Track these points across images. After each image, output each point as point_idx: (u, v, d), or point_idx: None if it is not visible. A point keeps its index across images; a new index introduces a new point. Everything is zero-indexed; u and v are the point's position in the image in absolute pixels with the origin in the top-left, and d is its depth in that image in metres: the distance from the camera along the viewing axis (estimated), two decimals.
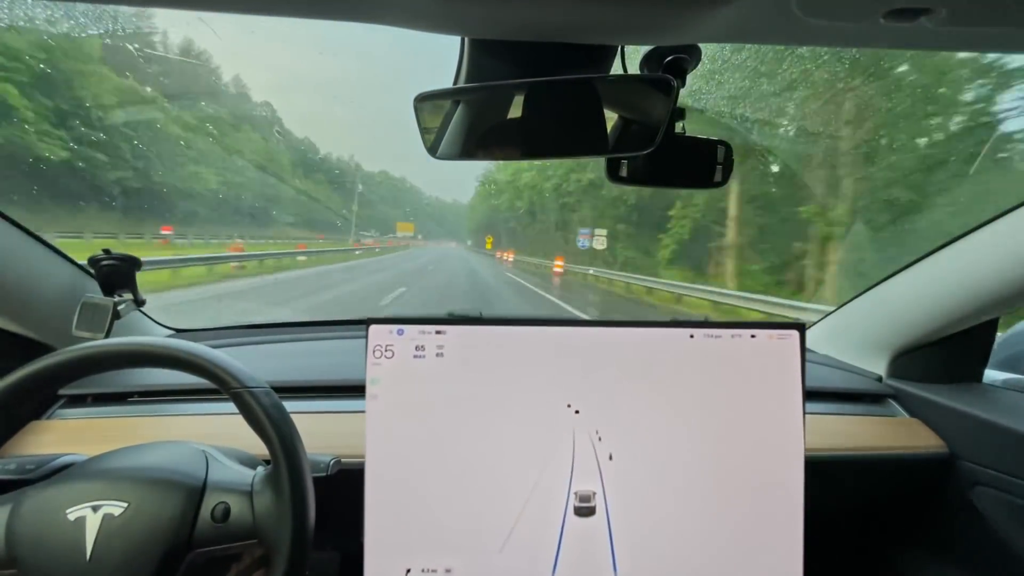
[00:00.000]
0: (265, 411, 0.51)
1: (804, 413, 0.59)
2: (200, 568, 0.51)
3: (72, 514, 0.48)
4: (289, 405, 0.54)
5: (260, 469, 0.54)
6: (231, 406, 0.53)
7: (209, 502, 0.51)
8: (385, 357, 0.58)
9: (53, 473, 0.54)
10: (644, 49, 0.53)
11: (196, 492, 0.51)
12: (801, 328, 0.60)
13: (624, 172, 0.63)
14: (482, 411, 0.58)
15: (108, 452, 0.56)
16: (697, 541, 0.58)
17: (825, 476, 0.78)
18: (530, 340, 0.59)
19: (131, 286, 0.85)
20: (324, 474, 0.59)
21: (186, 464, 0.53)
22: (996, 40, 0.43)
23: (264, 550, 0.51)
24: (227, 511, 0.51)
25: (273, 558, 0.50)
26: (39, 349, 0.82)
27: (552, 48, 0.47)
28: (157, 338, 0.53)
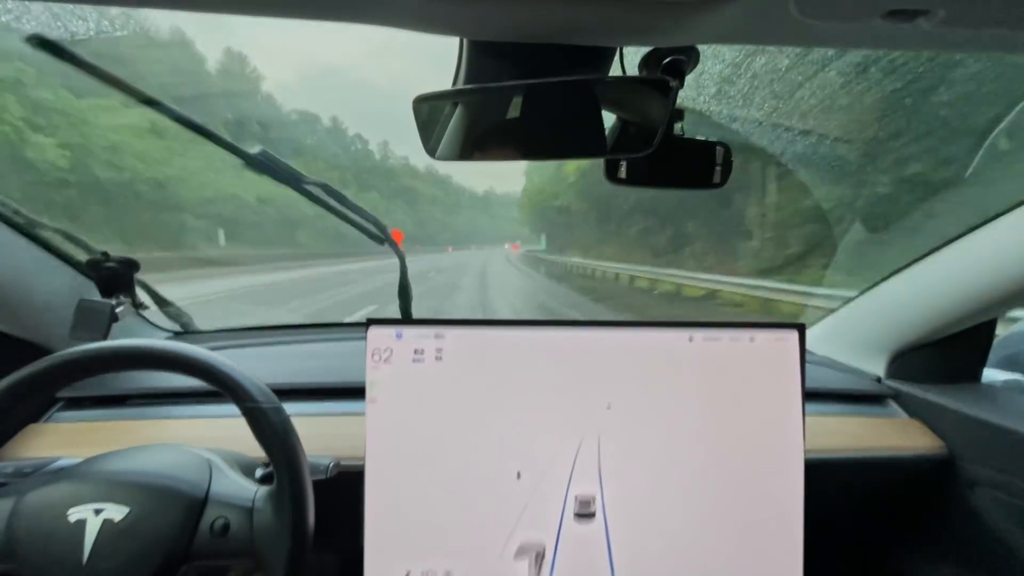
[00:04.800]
0: (275, 431, 0.52)
1: (804, 414, 0.59)
2: None
3: (73, 515, 0.48)
4: (289, 407, 0.54)
5: (262, 488, 0.54)
6: (230, 409, 0.52)
7: (209, 515, 0.51)
8: (384, 360, 0.58)
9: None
10: (643, 50, 0.53)
11: (198, 503, 0.51)
12: (800, 329, 0.60)
13: (623, 173, 0.63)
14: (481, 414, 0.58)
15: (114, 452, 0.56)
16: (697, 542, 0.58)
17: (824, 477, 0.78)
18: (528, 342, 0.59)
19: (130, 289, 0.85)
20: (324, 477, 0.59)
21: (190, 472, 0.53)
22: (994, 41, 0.43)
23: (259, 568, 0.51)
24: (226, 526, 0.51)
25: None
26: (37, 352, 0.82)
27: (550, 50, 0.47)
28: (173, 342, 0.53)
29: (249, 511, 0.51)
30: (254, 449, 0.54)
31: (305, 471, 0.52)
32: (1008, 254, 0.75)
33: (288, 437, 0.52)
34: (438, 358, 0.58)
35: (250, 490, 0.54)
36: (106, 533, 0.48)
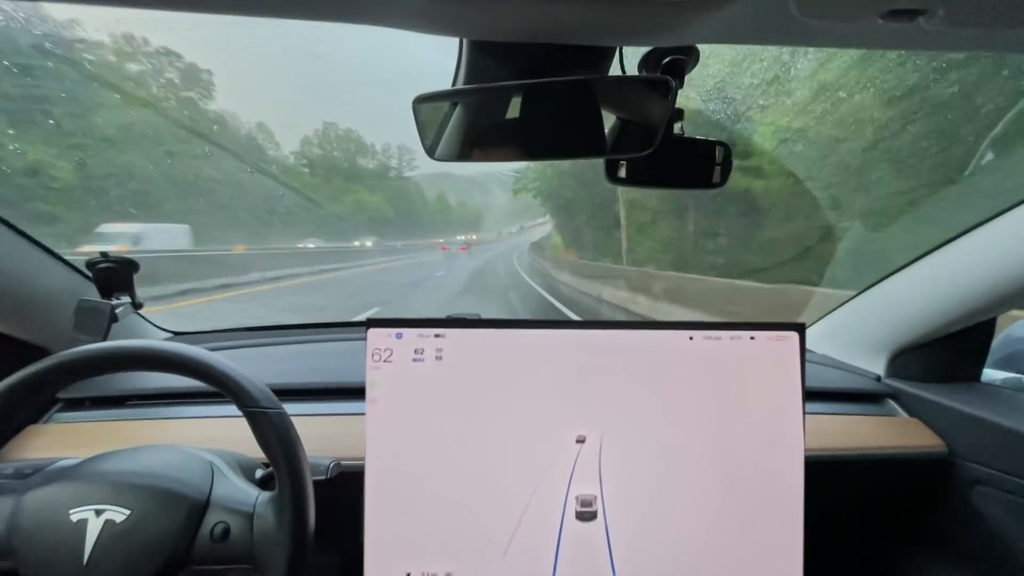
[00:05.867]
0: (278, 435, 0.51)
1: (804, 413, 0.59)
2: None
3: (75, 515, 0.48)
4: (289, 408, 0.54)
5: (264, 494, 0.54)
6: (229, 409, 0.52)
7: (210, 519, 0.51)
8: (384, 360, 0.58)
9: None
10: (642, 50, 0.53)
11: (199, 507, 0.51)
12: (801, 329, 0.60)
13: (623, 173, 0.63)
14: (482, 414, 0.58)
15: (115, 452, 0.55)
16: (697, 542, 0.58)
17: (824, 476, 0.78)
18: (529, 342, 0.59)
19: (129, 289, 0.85)
20: (324, 477, 0.59)
21: (192, 475, 0.53)
22: (993, 41, 0.43)
23: (257, 574, 0.51)
24: (227, 531, 0.50)
25: None
26: (37, 352, 0.82)
27: (550, 49, 0.47)
28: (175, 343, 0.53)
29: (250, 517, 0.51)
30: (253, 449, 0.54)
31: (307, 478, 0.52)
32: (1008, 254, 0.75)
33: (291, 443, 0.52)
34: (438, 358, 0.58)
35: (251, 495, 0.54)
36: (107, 534, 0.48)
